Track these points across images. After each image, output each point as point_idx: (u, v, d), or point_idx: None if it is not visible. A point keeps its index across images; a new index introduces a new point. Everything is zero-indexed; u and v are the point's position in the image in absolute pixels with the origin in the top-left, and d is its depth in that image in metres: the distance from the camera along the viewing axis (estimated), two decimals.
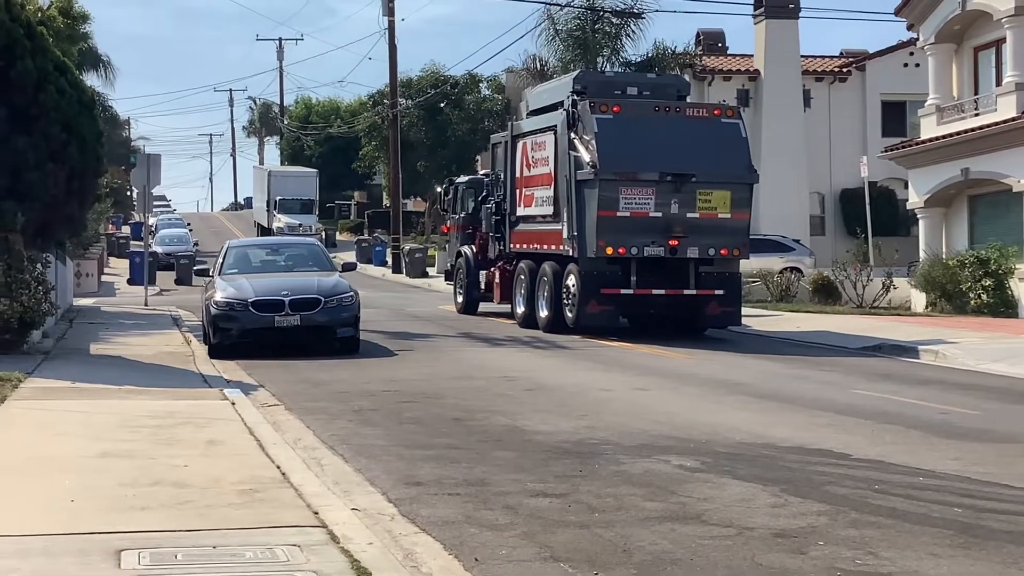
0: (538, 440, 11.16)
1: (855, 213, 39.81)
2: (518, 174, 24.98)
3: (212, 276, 20.94)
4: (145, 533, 7.14)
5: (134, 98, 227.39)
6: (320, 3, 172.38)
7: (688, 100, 24.97)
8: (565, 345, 21.10)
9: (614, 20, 45.41)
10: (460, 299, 28.26)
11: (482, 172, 29.63)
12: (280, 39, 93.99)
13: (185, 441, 10.50)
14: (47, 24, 23.02)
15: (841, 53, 49.21)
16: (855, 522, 7.97)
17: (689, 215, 21.61)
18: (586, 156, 21.76)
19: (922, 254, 31.23)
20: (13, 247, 17.25)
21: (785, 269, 35.66)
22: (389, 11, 51.08)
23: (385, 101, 57.40)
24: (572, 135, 22.25)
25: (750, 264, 35.68)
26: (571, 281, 22.38)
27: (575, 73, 25.90)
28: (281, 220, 61.86)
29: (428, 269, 47.84)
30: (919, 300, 30.10)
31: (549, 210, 23.30)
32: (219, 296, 19.30)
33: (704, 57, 45.88)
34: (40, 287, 17.71)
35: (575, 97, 22.52)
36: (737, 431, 11.74)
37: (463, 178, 30.88)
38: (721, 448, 10.73)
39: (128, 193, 74.36)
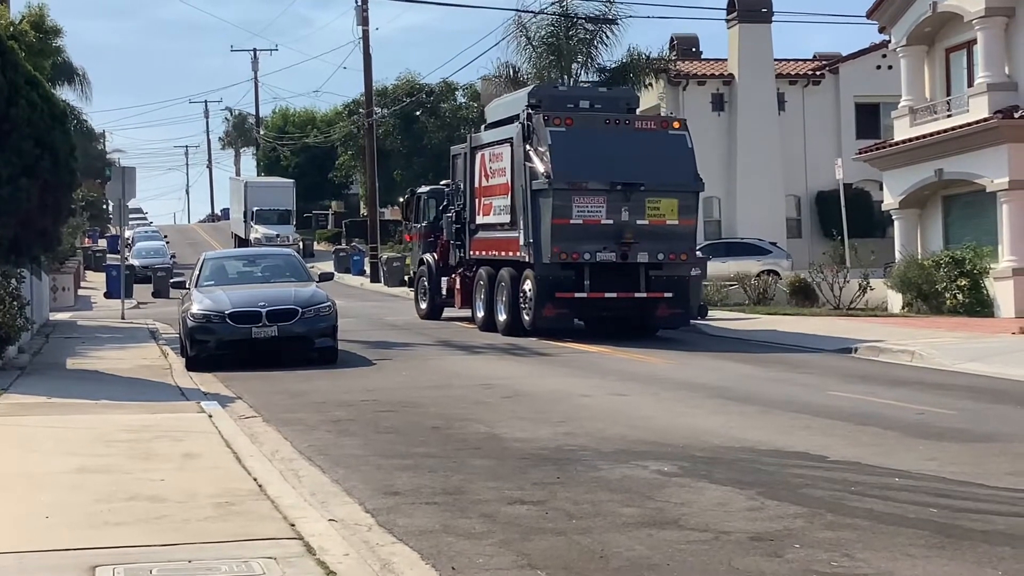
0: (516, 447, 11.16)
1: (831, 215, 39.96)
2: (477, 184, 25.81)
3: (189, 288, 20.89)
4: (120, 549, 7.11)
5: (109, 111, 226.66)
6: (294, 14, 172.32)
7: (638, 111, 26.17)
8: (544, 352, 21.12)
9: (588, 26, 45.45)
10: (424, 305, 29.02)
11: (443, 182, 30.55)
12: (255, 50, 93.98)
13: (161, 455, 10.46)
14: (18, 38, 22.95)
15: (814, 56, 49.43)
16: (831, 524, 7.99)
17: (639, 222, 22.62)
18: (540, 167, 22.69)
19: (898, 255, 31.37)
20: None
21: (762, 272, 35.81)
22: (363, 20, 51.05)
23: (361, 110, 57.38)
24: (527, 147, 23.15)
25: (727, 267, 35.95)
26: (527, 286, 23.30)
27: (530, 88, 26.71)
28: (258, 231, 61.73)
29: (406, 278, 47.76)
30: (895, 301, 30.23)
31: (507, 218, 24.14)
32: (196, 308, 19.24)
33: (678, 62, 46.05)
34: (15, 302, 17.62)
35: (530, 111, 23.44)
36: (715, 435, 11.75)
37: (424, 188, 31.66)
38: (699, 452, 10.75)
39: (104, 206, 74.14)
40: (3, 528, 7.68)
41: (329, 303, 19.77)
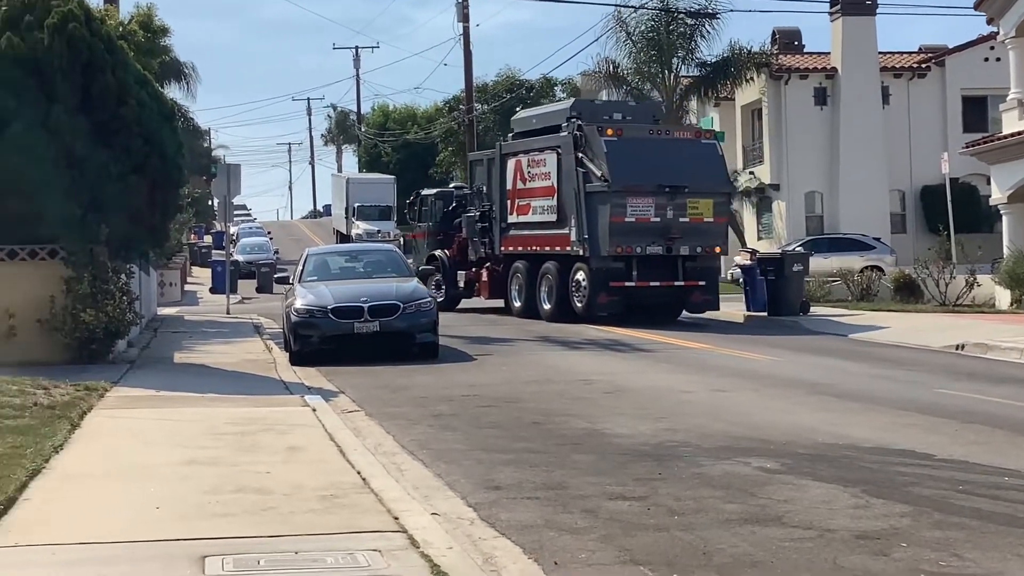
0: (617, 443, 11.14)
1: (936, 210, 39.27)
2: (510, 187, 28.64)
3: (292, 284, 21.14)
4: (228, 539, 7.22)
5: (214, 109, 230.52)
6: (395, 11, 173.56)
7: (663, 119, 30.43)
8: (644, 348, 21.07)
9: (688, 21, 45.21)
10: (438, 299, 30.33)
11: (452, 185, 34.81)
12: (356, 47, 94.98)
13: (267, 448, 10.61)
14: (127, 38, 23.41)
15: (920, 49, 48.53)
16: (939, 523, 7.86)
17: (681, 219, 25.67)
18: (597, 172, 25.57)
19: (1006, 250, 30.68)
20: (98, 259, 17.52)
21: (866, 268, 35.30)
22: (464, 17, 51.31)
23: (461, 106, 57.66)
24: (579, 154, 25.98)
25: (829, 263, 35.51)
26: (580, 276, 26.15)
27: (570, 102, 30.31)
28: (360, 227, 62.27)
29: None
30: (1003, 297, 29.58)
31: (552, 217, 26.95)
32: (299, 303, 19.49)
33: (780, 56, 45.53)
34: (125, 297, 17.96)
35: (579, 121, 26.29)
36: (818, 432, 11.62)
37: (430, 190, 34.43)
38: (801, 449, 10.64)
39: (209, 203, 75.38)
40: (116, 518, 7.85)
41: (430, 298, 19.91)
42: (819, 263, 33.62)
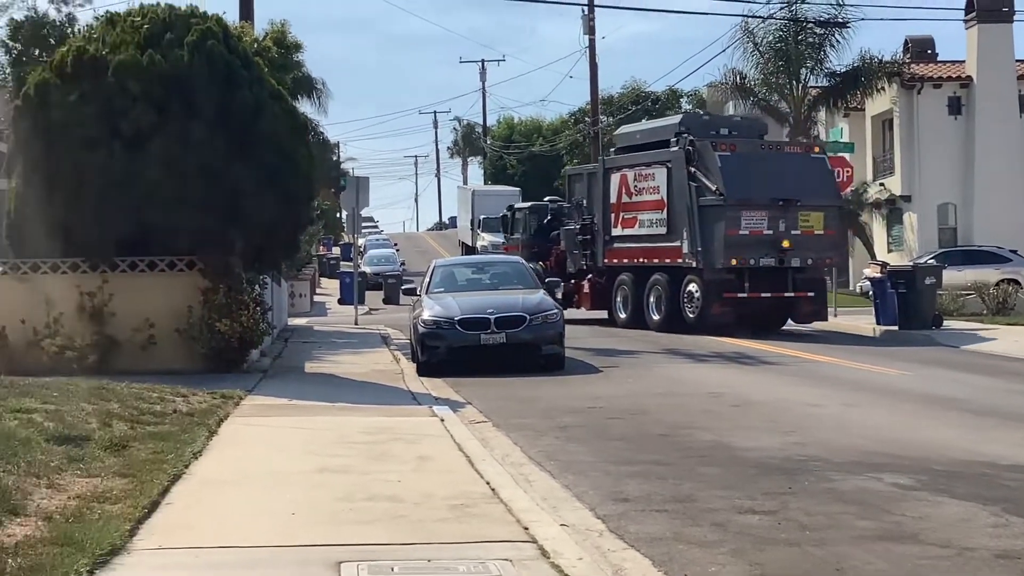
0: (745, 456, 11.07)
1: None
2: (614, 201, 29.38)
3: (419, 295, 21.36)
4: (362, 546, 7.35)
5: (343, 123, 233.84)
6: (522, 25, 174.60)
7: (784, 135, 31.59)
8: (770, 360, 20.87)
9: (817, 30, 44.67)
10: None
11: (547, 199, 35.51)
12: (483, 61, 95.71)
13: (397, 457, 10.75)
14: (263, 55, 23.91)
15: None
16: None
17: (793, 232, 26.25)
18: (711, 186, 26.19)
19: None
20: (233, 270, 17.92)
21: (1002, 281, 34.45)
22: (590, 30, 51.39)
23: (586, 119, 57.75)
24: (691, 168, 26.60)
25: (963, 276, 34.73)
26: (693, 288, 26.75)
27: (678, 117, 31.02)
28: (485, 238, 62.59)
29: None
30: None
31: (662, 230, 27.67)
32: (426, 315, 19.69)
33: (912, 64, 44.70)
34: (258, 308, 18.34)
35: (690, 136, 27.02)
36: (952, 448, 11.41)
37: (524, 204, 35.67)
38: (937, 465, 10.45)
39: (338, 215, 76.44)
40: (255, 522, 8.04)
41: (556, 310, 19.96)
42: (952, 276, 32.89)
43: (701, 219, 26.31)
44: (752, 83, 46.33)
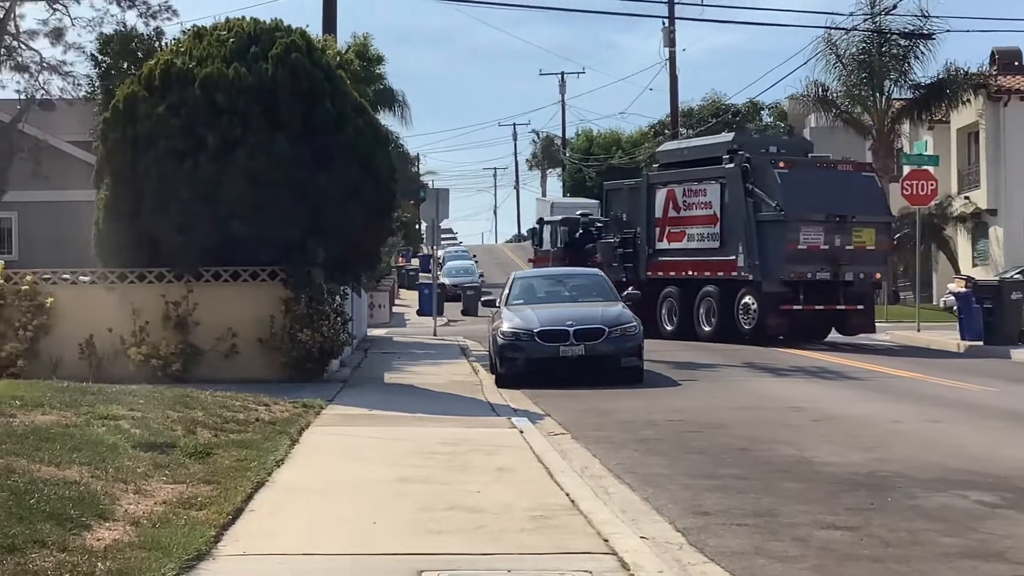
0: (827, 471, 10.97)
1: None
2: (660, 215, 30.55)
3: (499, 307, 21.43)
4: (443, 556, 7.40)
5: (423, 135, 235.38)
6: (601, 37, 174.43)
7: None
8: (852, 375, 20.68)
9: (901, 42, 44.22)
10: None
11: (579, 212, 36.74)
12: (562, 73, 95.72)
13: (476, 467, 10.80)
14: (345, 67, 24.16)
15: None
16: None
17: (847, 247, 27.42)
18: (771, 201, 27.27)
19: None
20: (315, 281, 18.12)
21: None
22: (670, 42, 51.27)
23: (666, 131, 57.57)
24: (748, 185, 27.67)
25: None
26: (748, 300, 27.81)
27: (730, 136, 31.79)
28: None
29: None
30: None
31: (714, 244, 28.72)
32: (506, 326, 19.75)
33: (999, 76, 44.03)
34: (339, 318, 18.53)
35: (746, 155, 28.19)
36: None
37: (555, 216, 36.68)
38: (1023, 483, 10.28)
39: (417, 226, 76.87)
40: (337, 530, 8.13)
41: (635, 323, 19.92)
42: None
43: (759, 234, 27.41)
44: (834, 95, 45.96)
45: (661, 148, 35.56)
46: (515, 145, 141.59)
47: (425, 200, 35.93)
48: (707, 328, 28.75)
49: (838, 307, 27.71)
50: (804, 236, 27.13)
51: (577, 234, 34.32)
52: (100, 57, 31.46)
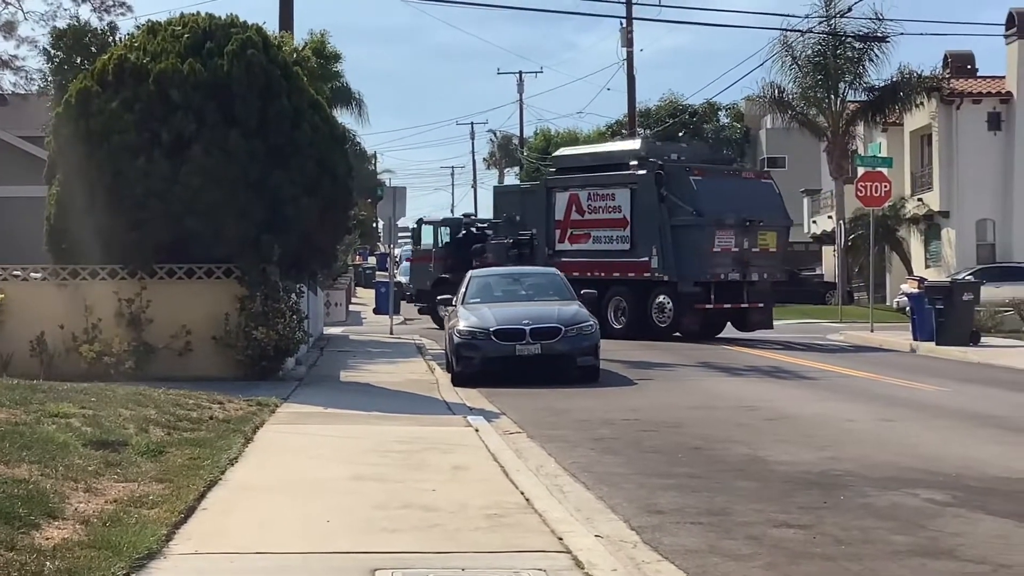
0: (780, 470, 11.03)
1: None
2: (560, 217, 31.71)
3: (455, 305, 21.40)
4: (397, 554, 7.37)
5: (380, 133, 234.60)
6: (560, 36, 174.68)
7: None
8: (806, 375, 20.80)
9: (856, 45, 44.56)
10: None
11: (463, 213, 38.93)
12: (520, 72, 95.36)
13: (432, 466, 10.78)
14: (302, 64, 24.03)
15: None
16: None
17: (753, 249, 29.28)
18: (687, 207, 28.77)
19: None
20: (270, 278, 18.02)
21: None
22: (628, 42, 51.36)
23: (624, 131, 57.66)
24: (662, 191, 29.07)
25: (1001, 292, 34.50)
26: (663, 300, 29.28)
27: (637, 143, 33.60)
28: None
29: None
30: None
31: (624, 246, 29.93)
32: (462, 325, 19.73)
33: (952, 80, 44.47)
34: (294, 316, 18.43)
35: (659, 161, 29.77)
36: (989, 465, 11.33)
37: (435, 218, 37.95)
38: (973, 482, 10.38)
39: (374, 225, 76.68)
40: (290, 529, 8.08)
41: (591, 322, 19.94)
42: (991, 292, 32.64)
43: (674, 238, 28.83)
44: (790, 96, 46.25)
45: (559, 153, 36.99)
46: (473, 144, 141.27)
47: (382, 198, 35.82)
48: (617, 326, 29.53)
49: (743, 305, 29.59)
50: (719, 239, 28.77)
51: (460, 234, 35.14)
52: (53, 52, 31.17)
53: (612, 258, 30.10)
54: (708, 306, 29.16)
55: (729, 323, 30.38)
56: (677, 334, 29.14)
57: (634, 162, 30.27)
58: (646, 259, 29.30)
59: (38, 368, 17.06)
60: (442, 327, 33.36)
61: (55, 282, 18.31)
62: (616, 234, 30.34)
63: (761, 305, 30.06)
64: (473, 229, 35.39)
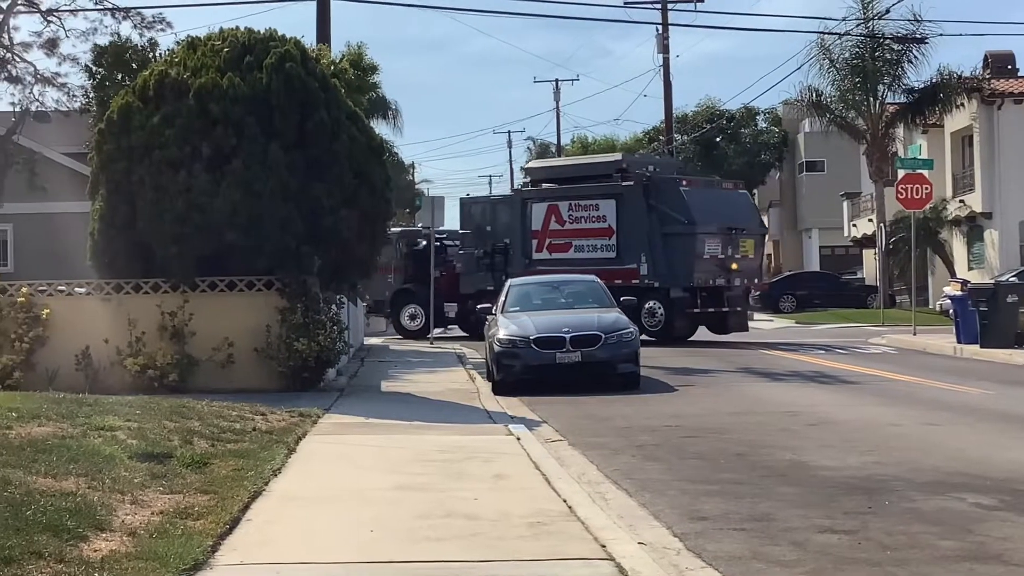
0: (824, 476, 10.97)
1: None
2: (538, 228, 32.74)
3: (495, 314, 21.42)
4: (441, 563, 7.39)
5: (418, 143, 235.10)
6: (595, 44, 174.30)
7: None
8: (850, 380, 20.68)
9: (895, 47, 44.31)
10: (415, 325, 35.32)
11: (420, 225, 38.31)
12: (556, 80, 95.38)
13: (473, 475, 10.79)
14: (339, 76, 24.15)
15: None
16: None
17: (736, 256, 30.89)
18: (679, 216, 30.10)
19: None
20: (310, 290, 18.11)
21: None
22: (664, 48, 51.32)
23: (661, 137, 57.59)
24: (650, 200, 30.42)
25: None
26: (654, 305, 30.38)
27: (618, 155, 36.50)
28: None
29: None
30: None
31: (610, 255, 31.10)
32: (502, 334, 19.75)
33: (992, 80, 44.12)
34: (335, 327, 18.49)
35: (647, 173, 31.49)
36: None
37: (396, 229, 38.10)
38: (1020, 486, 10.27)
39: None
40: (334, 539, 8.12)
41: (632, 329, 19.91)
42: None
43: (664, 246, 30.18)
44: (828, 100, 46.07)
45: (532, 165, 38.16)
46: (510, 152, 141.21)
47: (420, 208, 35.85)
48: None
49: (723, 309, 30.95)
50: (708, 247, 30.34)
51: (420, 246, 35.08)
52: (94, 68, 31.45)
53: (597, 266, 30.15)
54: (696, 310, 30.44)
55: (703, 327, 31.49)
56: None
57: (616, 173, 31.69)
58: (634, 266, 30.51)
59: (83, 382, 17.21)
60: (408, 336, 35.05)
61: (99, 297, 18.47)
62: (601, 243, 31.56)
63: (739, 309, 31.67)
64: (435, 242, 34.81)
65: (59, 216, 33.51)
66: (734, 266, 30.86)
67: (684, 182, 31.41)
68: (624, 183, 31.21)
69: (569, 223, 32.23)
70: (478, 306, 29.31)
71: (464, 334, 35.02)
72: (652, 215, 30.48)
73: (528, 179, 36.12)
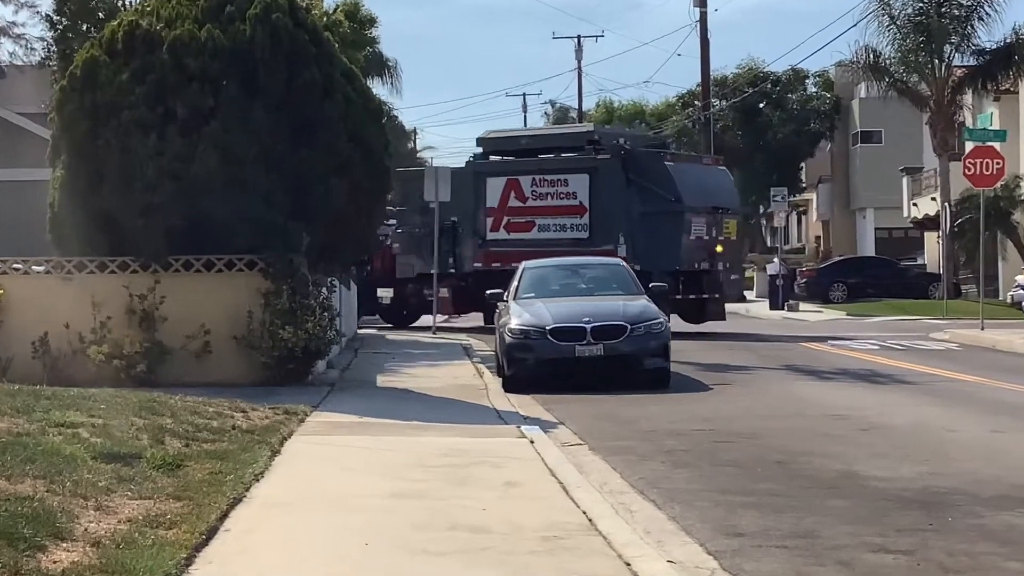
0: (875, 487, 11.01)
1: None
2: (495, 204, 33.15)
3: (506, 301, 21.40)
4: None
5: (419, 107, 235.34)
6: None
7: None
8: (905, 379, 20.73)
9: (963, 2, 44.20)
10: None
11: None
12: (578, 37, 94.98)
13: (481, 482, 10.84)
14: (333, 29, 24.19)
15: None
16: None
17: (719, 238, 31.32)
18: (666, 194, 30.39)
19: None
20: (298, 270, 18.10)
21: None
22: (701, 2, 51.24)
23: (696, 102, 57.58)
24: (629, 175, 30.76)
25: None
26: None
27: (590, 126, 37.93)
28: None
29: (746, 292, 47.57)
30: None
31: (583, 235, 31.56)
32: (514, 323, 19.77)
33: None
34: (325, 314, 18.52)
35: (626, 145, 31.91)
36: None
37: None
38: None
39: None
40: (322, 552, 8.16)
41: (661, 319, 19.92)
42: None
43: (644, 225, 30.45)
44: (887, 62, 46.01)
45: (488, 135, 37.88)
46: (525, 117, 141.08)
47: (424, 179, 35.86)
48: None
49: (703, 296, 31.31)
50: (694, 227, 30.69)
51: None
52: (56, 18, 31.49)
53: (565, 247, 30.02)
54: (678, 296, 29.92)
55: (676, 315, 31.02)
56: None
57: (588, 145, 32.02)
58: (610, 247, 30.16)
59: (41, 372, 17.29)
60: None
61: (59, 276, 18.54)
62: (570, 222, 31.86)
63: (717, 296, 31.86)
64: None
65: (13, 184, 33.55)
66: (719, 248, 31.18)
67: (668, 157, 31.99)
68: (599, 156, 31.44)
69: (532, 199, 32.48)
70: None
71: (388, 325, 35.67)
72: (632, 192, 30.75)
73: (482, 150, 36.32)
